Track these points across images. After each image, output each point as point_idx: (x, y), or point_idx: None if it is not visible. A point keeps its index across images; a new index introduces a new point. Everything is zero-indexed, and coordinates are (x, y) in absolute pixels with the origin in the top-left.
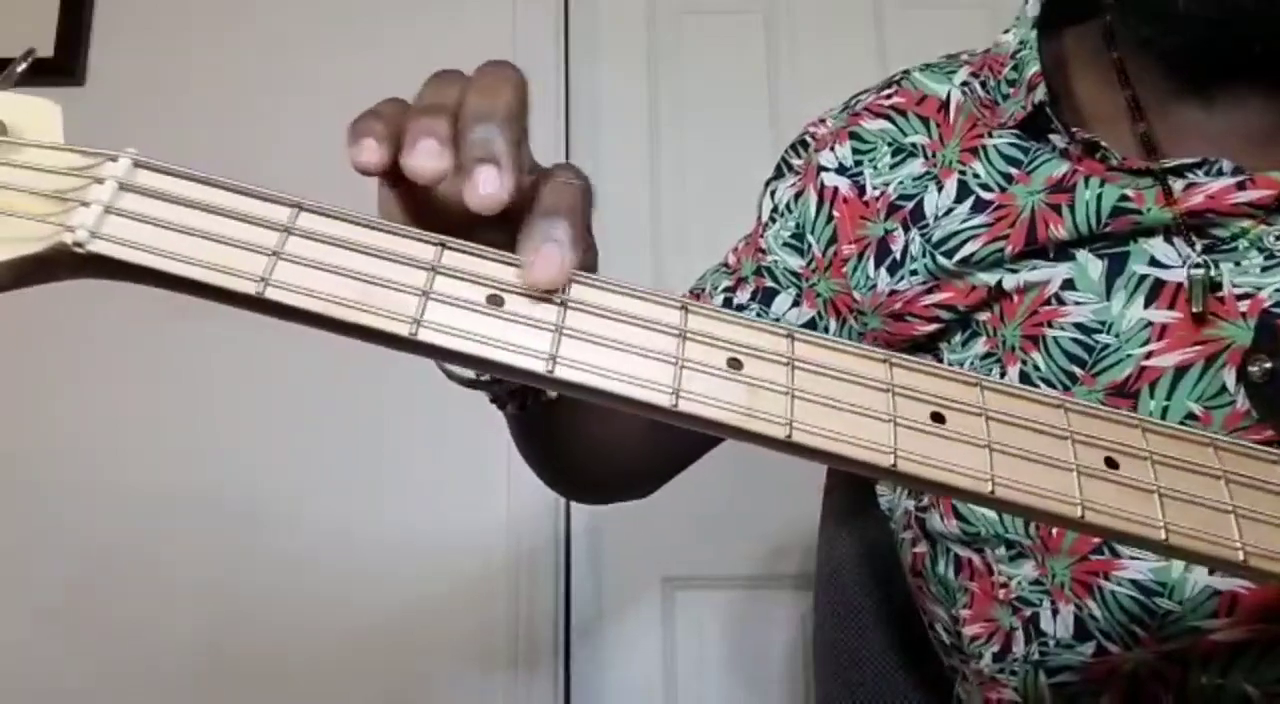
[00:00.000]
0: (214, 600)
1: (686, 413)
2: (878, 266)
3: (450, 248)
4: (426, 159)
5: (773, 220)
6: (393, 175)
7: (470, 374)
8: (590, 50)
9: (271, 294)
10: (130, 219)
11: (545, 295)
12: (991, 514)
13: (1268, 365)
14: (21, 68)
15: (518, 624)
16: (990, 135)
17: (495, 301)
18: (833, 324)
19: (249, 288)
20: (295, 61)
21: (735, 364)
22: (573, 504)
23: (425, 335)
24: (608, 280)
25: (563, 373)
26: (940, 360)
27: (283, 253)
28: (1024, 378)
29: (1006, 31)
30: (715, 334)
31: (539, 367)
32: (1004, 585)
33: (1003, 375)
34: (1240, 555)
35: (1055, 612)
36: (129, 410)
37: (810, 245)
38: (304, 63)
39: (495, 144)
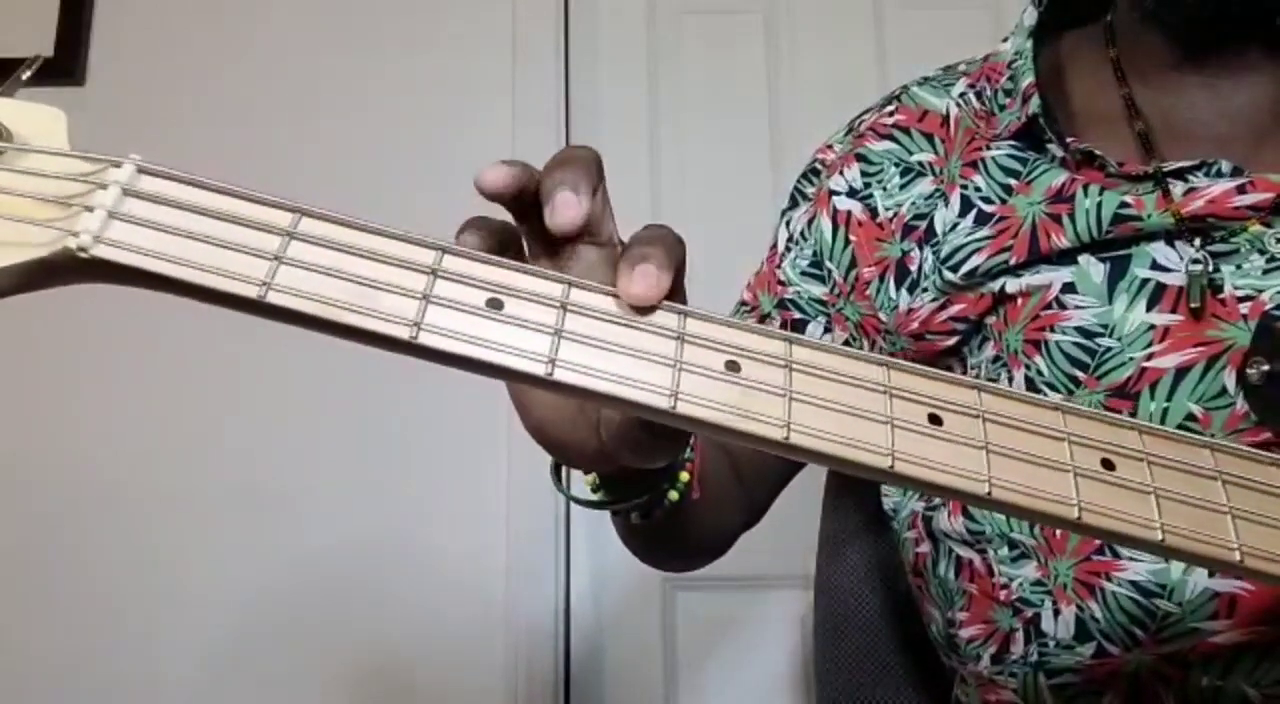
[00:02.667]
0: (218, 602)
1: (684, 415)
2: (898, 287)
3: (450, 252)
4: (494, 172)
5: (788, 249)
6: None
7: (590, 496)
8: (590, 50)
9: (273, 298)
10: (134, 224)
11: (546, 299)
12: (999, 514)
13: (1265, 367)
14: (27, 74)
15: (518, 624)
16: (989, 147)
17: (495, 305)
18: (865, 346)
19: (251, 292)
20: (294, 62)
21: (733, 367)
22: (573, 505)
23: (425, 338)
24: (606, 286)
25: (562, 376)
26: (964, 366)
27: (284, 257)
28: (1029, 382)
29: (1005, 40)
30: (713, 337)
31: (538, 370)
32: (1004, 587)
33: (1010, 380)
34: (1237, 556)
35: (1057, 612)
36: (128, 412)
37: (831, 271)
38: (303, 63)
39: (569, 177)
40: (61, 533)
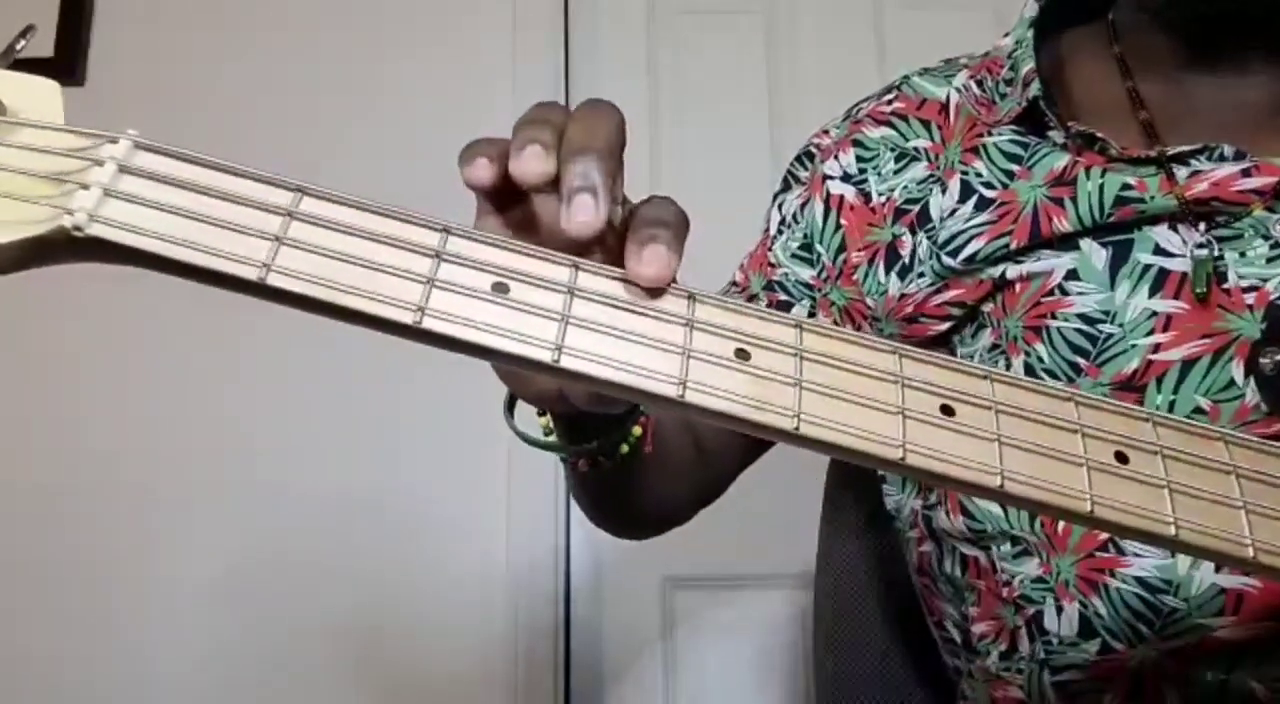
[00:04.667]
0: (217, 597)
1: (693, 404)
2: (888, 272)
3: (455, 234)
4: (532, 162)
5: (780, 232)
6: (498, 198)
7: (539, 436)
8: (590, 50)
9: (274, 280)
10: (130, 202)
11: (553, 284)
12: (997, 510)
13: (1279, 358)
14: (22, 44)
15: (518, 624)
16: (990, 133)
17: (501, 289)
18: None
19: (251, 273)
20: (294, 62)
21: (743, 355)
22: (572, 503)
23: (429, 323)
24: (614, 269)
25: (568, 363)
26: (954, 355)
27: (285, 238)
28: (1028, 370)
29: (1006, 35)
30: (723, 324)
31: (544, 356)
32: (1007, 583)
33: (1008, 368)
34: (1250, 552)
35: (1059, 610)
36: (125, 406)
37: (820, 255)
38: (303, 63)
39: (593, 175)
40: (55, 527)
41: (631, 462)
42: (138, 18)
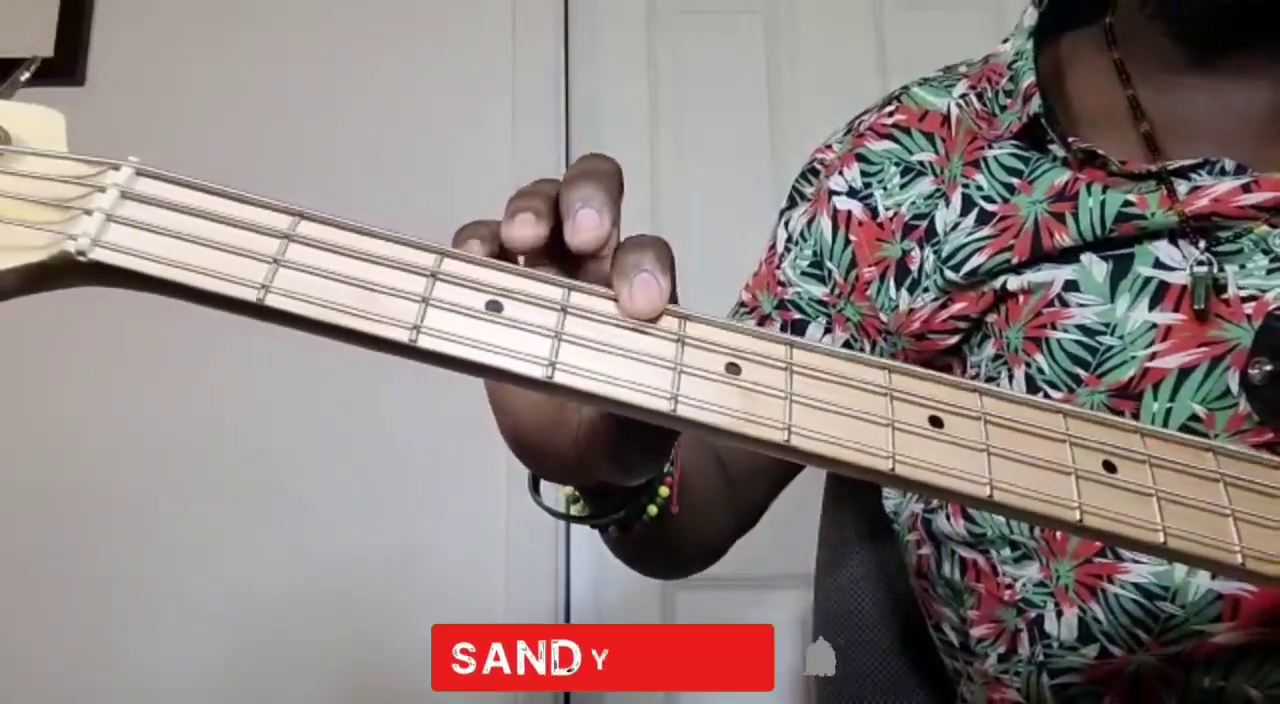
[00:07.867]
0: (217, 603)
1: (685, 418)
2: (898, 287)
3: (450, 255)
4: (523, 228)
5: (788, 250)
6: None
7: (565, 510)
8: (590, 50)
9: (272, 301)
10: (132, 227)
11: (546, 302)
12: (999, 516)
13: (1268, 367)
14: (25, 76)
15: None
16: (990, 147)
17: (494, 307)
18: (866, 346)
19: (249, 295)
20: (294, 62)
21: (733, 369)
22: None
23: (425, 342)
24: (607, 289)
25: (562, 379)
26: (964, 364)
27: (283, 260)
28: (1029, 380)
29: (1005, 41)
30: (713, 340)
31: (538, 373)
32: (1009, 586)
33: (1010, 378)
34: (1238, 559)
35: (1059, 614)
36: (130, 413)
37: (831, 272)
38: (303, 64)
39: (593, 197)
40: (55, 528)
41: (662, 521)
42: (138, 18)
